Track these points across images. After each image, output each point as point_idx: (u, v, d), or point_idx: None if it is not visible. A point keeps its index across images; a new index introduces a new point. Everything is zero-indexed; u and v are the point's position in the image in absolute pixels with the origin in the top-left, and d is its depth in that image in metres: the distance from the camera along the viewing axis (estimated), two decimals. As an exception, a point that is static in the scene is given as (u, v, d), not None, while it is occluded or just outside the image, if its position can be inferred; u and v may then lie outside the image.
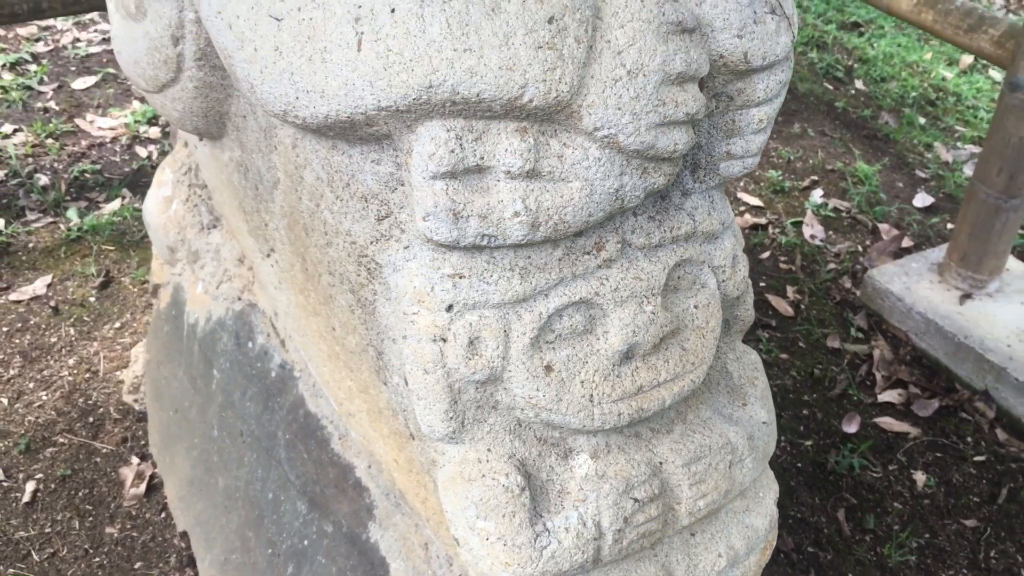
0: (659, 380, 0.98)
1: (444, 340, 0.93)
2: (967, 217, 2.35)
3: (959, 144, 3.37)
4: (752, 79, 0.95)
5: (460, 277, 0.92)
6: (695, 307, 1.01)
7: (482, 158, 0.86)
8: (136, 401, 1.97)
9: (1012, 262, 2.49)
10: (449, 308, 0.92)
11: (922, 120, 3.47)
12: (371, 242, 0.99)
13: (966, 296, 2.39)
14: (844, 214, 2.83)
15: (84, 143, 2.71)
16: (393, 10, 0.83)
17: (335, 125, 0.90)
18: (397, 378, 1.02)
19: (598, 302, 0.94)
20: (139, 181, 2.61)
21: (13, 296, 2.21)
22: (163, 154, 2.71)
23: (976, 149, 3.35)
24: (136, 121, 2.80)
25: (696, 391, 1.08)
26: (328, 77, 0.86)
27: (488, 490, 0.95)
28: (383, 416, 1.13)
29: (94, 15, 3.29)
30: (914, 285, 2.43)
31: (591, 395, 0.95)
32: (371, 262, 1.00)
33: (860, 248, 2.70)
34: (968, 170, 3.18)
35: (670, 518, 1.03)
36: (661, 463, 1.02)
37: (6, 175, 2.55)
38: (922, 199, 2.94)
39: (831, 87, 3.57)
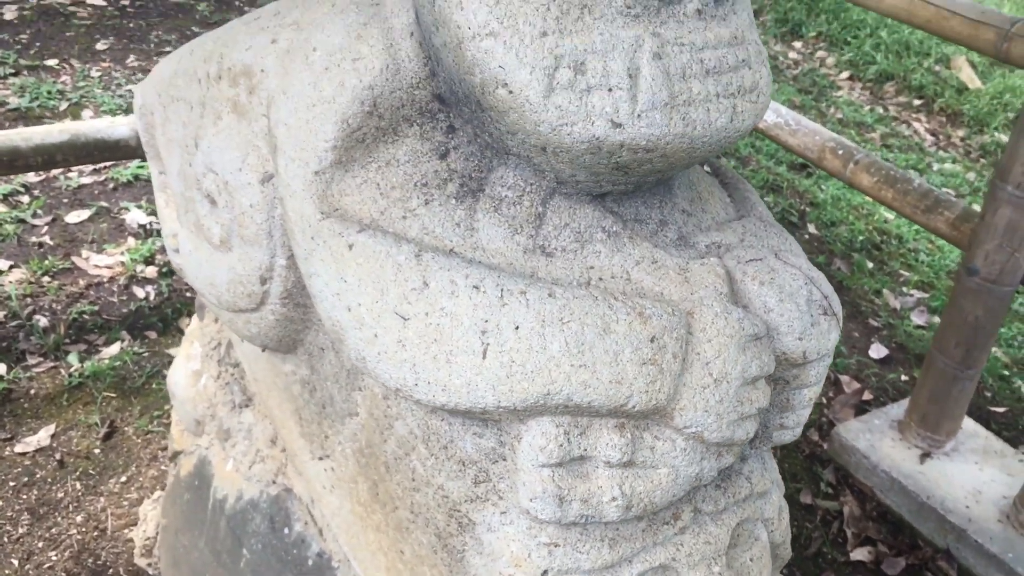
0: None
1: (541, 601, 1.03)
2: (926, 382, 2.55)
3: (905, 289, 3.61)
4: (806, 367, 1.10)
5: (555, 546, 1.03)
6: (751, 560, 1.14)
7: (585, 450, 0.98)
8: (150, 565, 2.01)
9: (966, 421, 2.69)
10: (544, 573, 1.03)
11: (870, 265, 3.72)
12: (466, 500, 1.10)
13: (926, 455, 2.57)
14: (808, 364, 3.02)
15: (82, 282, 2.76)
16: (517, 328, 0.95)
17: (451, 412, 1.01)
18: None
19: (674, 566, 1.06)
20: (137, 323, 2.67)
21: (18, 448, 2.24)
22: (160, 295, 2.78)
23: (921, 294, 3.60)
24: (133, 260, 2.87)
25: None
26: (452, 376, 0.98)
27: None
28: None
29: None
30: (878, 443, 2.61)
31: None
32: (464, 517, 1.10)
33: (824, 400, 2.88)
34: (915, 317, 3.42)
35: None
36: None
37: (6, 316, 2.58)
38: (877, 350, 3.16)
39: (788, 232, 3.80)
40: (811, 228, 3.90)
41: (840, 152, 2.87)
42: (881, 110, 5.50)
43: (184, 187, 1.49)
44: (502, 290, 0.97)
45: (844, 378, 2.97)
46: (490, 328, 0.96)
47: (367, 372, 1.07)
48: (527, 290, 0.97)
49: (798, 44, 6.23)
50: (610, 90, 0.94)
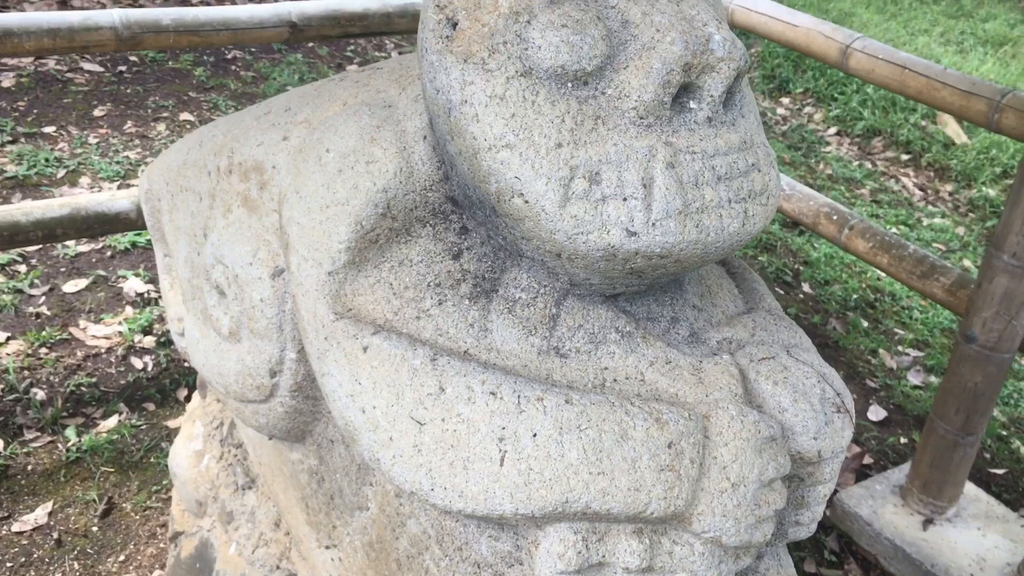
0: None
1: None
2: (927, 449, 2.55)
3: (900, 348, 3.63)
4: (821, 465, 1.10)
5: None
6: (768, 657, 1.13)
7: (604, 556, 0.98)
8: (150, 649, 1.98)
9: (967, 486, 2.69)
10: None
11: (865, 324, 3.74)
12: (481, 603, 1.09)
13: (928, 521, 2.57)
14: (807, 428, 3.01)
15: (79, 354, 2.75)
16: (535, 435, 0.95)
17: (467, 517, 1.01)
18: None
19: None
20: (135, 395, 2.65)
21: (16, 527, 2.21)
22: (158, 365, 2.76)
23: (917, 353, 3.62)
24: (130, 329, 2.86)
25: None
26: (469, 482, 0.98)
27: None
28: None
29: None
30: (880, 509, 2.60)
31: None
32: (480, 619, 1.10)
33: (825, 464, 2.87)
34: (912, 377, 3.43)
35: None
36: None
37: (3, 390, 2.57)
38: (875, 412, 3.16)
39: (782, 292, 3.83)
40: (805, 287, 3.93)
41: (835, 217, 2.90)
42: (870, 165, 5.57)
43: (191, 275, 1.49)
44: (519, 396, 0.97)
45: (844, 441, 2.97)
46: (508, 435, 0.96)
47: (381, 473, 1.07)
48: (544, 396, 0.97)
49: (786, 100, 6.32)
50: (625, 199, 0.95)
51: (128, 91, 4.17)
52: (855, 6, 7.85)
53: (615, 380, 1.04)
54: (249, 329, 1.32)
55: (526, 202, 0.96)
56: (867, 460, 2.91)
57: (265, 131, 1.32)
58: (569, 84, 0.97)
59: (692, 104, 1.00)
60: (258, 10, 2.51)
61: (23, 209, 2.43)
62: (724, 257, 1.06)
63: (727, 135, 1.01)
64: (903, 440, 3.05)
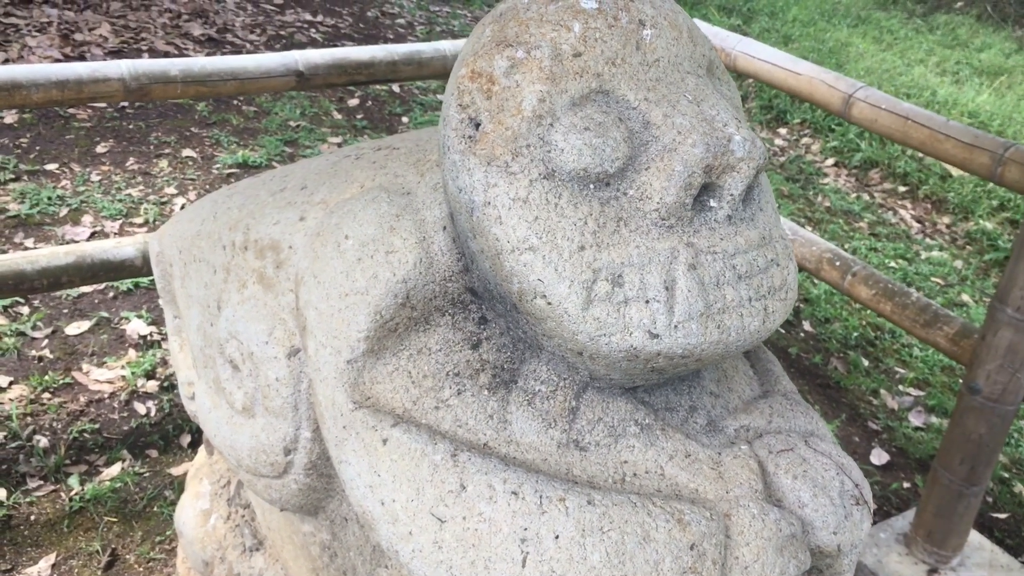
0: None
1: None
2: (931, 498, 2.55)
3: (901, 387, 3.63)
4: (840, 557, 1.10)
5: None
6: None
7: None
8: None
9: (971, 534, 2.69)
10: None
11: (866, 363, 3.74)
12: None
13: (933, 571, 2.56)
14: (810, 472, 3.02)
15: (82, 399, 2.75)
16: (557, 536, 0.95)
17: (489, 615, 1.00)
18: None
19: None
20: (138, 441, 2.65)
21: (18, 581, 2.20)
22: (161, 411, 2.76)
23: (918, 392, 3.62)
24: (133, 373, 2.85)
25: None
26: (491, 584, 0.97)
27: None
28: None
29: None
30: (884, 558, 2.60)
31: None
32: None
33: (828, 510, 2.87)
34: (913, 418, 3.44)
35: None
36: None
37: (6, 437, 2.56)
38: (878, 455, 3.16)
39: (783, 330, 3.84)
40: (806, 325, 3.94)
41: (837, 263, 2.91)
42: (867, 197, 5.59)
43: (204, 343, 1.49)
44: (541, 496, 0.97)
45: (847, 486, 2.97)
46: (529, 536, 0.96)
47: (400, 565, 1.07)
48: (567, 497, 0.97)
49: (783, 131, 6.35)
50: (647, 302, 0.95)
51: (131, 127, 4.18)
52: (852, 36, 7.91)
53: (635, 475, 1.05)
54: (264, 406, 1.32)
55: (549, 304, 0.96)
56: (870, 505, 2.90)
57: (281, 209, 1.33)
58: (591, 185, 0.98)
59: (712, 203, 1.00)
60: (265, 60, 2.52)
61: (28, 258, 2.43)
62: (744, 351, 1.06)
63: (747, 232, 1.02)
64: (906, 484, 3.05)
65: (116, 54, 4.62)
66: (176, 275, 1.60)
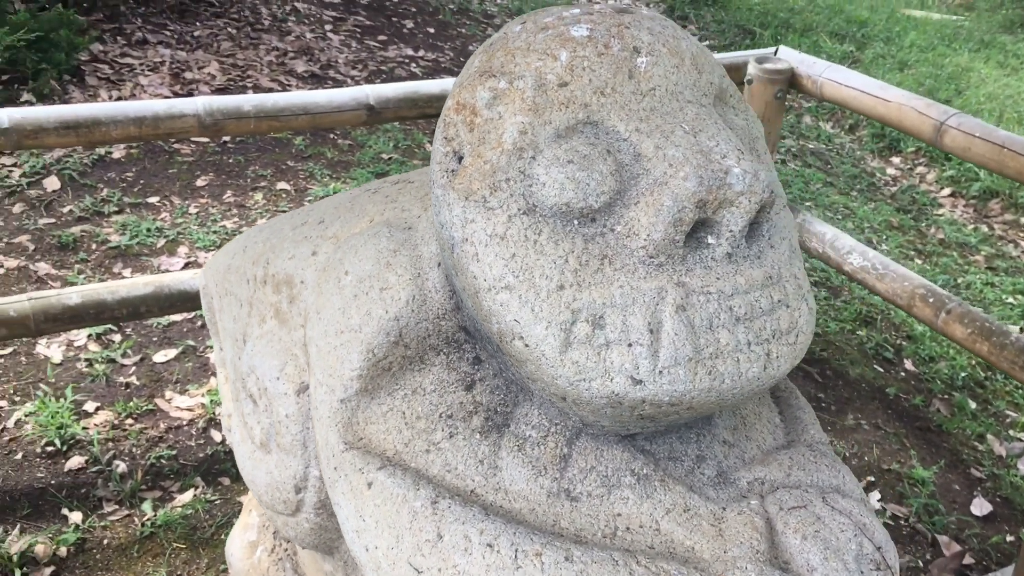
0: None
1: None
2: (1032, 556, 2.35)
3: (1011, 433, 3.39)
4: (858, 627, 1.00)
5: None
6: None
7: None
8: None
9: (1078, 597, 2.46)
10: None
11: (973, 405, 3.51)
12: None
13: (1034, 635, 2.36)
14: (903, 522, 2.84)
15: (162, 425, 2.82)
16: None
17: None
18: None
19: None
20: (212, 468, 2.69)
21: (87, 605, 2.26)
22: (236, 439, 2.80)
23: (1029, 439, 3.37)
24: (212, 401, 2.91)
25: None
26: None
27: None
28: None
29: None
30: (980, 619, 2.41)
31: None
32: None
33: (921, 563, 2.69)
34: (1022, 466, 3.19)
35: None
36: None
37: (87, 462, 2.65)
38: (980, 506, 2.94)
39: (881, 369, 3.64)
40: (908, 364, 3.72)
41: (931, 300, 2.74)
42: (986, 228, 5.29)
43: (235, 377, 1.50)
44: (516, 550, 0.92)
45: (943, 539, 2.77)
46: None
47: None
48: (543, 551, 0.92)
49: (896, 159, 6.09)
50: (630, 345, 0.89)
51: (230, 160, 4.32)
52: (974, 61, 7.55)
53: (627, 528, 0.98)
54: (276, 443, 1.31)
55: (526, 346, 0.91)
56: (967, 560, 2.70)
57: (298, 244, 1.32)
58: (576, 221, 0.93)
59: (710, 239, 0.94)
60: (336, 95, 2.56)
61: (109, 288, 2.52)
62: (744, 402, 0.99)
63: (749, 271, 0.95)
64: (1009, 538, 2.83)
65: (222, 91, 4.80)
66: (216, 308, 1.62)
